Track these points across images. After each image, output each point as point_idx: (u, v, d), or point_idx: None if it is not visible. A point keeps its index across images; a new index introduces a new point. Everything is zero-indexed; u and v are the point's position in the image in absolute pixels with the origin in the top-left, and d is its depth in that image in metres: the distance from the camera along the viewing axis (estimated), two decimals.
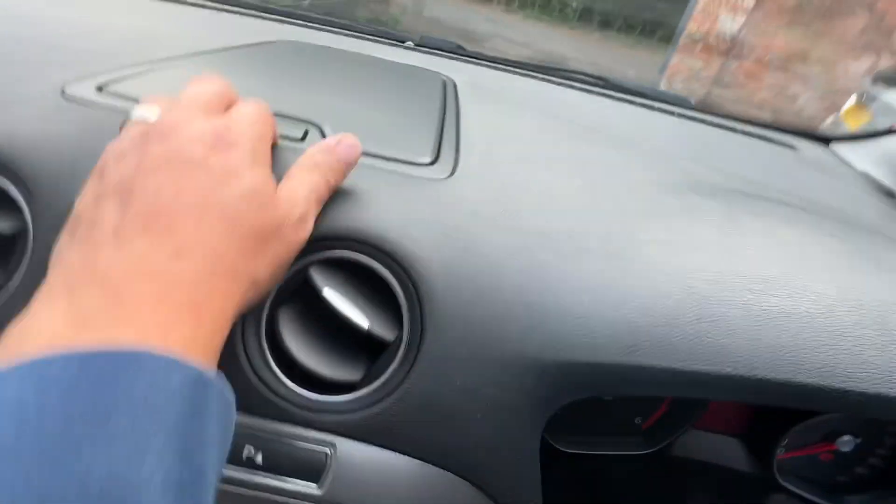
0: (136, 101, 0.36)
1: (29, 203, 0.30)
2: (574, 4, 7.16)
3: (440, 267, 0.30)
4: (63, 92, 0.37)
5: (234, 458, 0.29)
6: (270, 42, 0.64)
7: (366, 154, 0.37)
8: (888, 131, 0.80)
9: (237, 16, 0.83)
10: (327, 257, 0.30)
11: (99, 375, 0.16)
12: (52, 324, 0.18)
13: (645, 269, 0.32)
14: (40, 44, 0.46)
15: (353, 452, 0.29)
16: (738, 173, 0.56)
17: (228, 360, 0.28)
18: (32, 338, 0.17)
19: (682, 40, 4.88)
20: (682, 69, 4.89)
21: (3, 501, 0.13)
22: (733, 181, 0.52)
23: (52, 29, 0.51)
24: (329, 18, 0.92)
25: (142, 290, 0.19)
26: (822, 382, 0.29)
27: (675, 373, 0.29)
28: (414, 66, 0.69)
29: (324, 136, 0.38)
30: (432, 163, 0.39)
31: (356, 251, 0.30)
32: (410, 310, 0.29)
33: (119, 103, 0.37)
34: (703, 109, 0.91)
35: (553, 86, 0.83)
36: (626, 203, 0.40)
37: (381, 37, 0.89)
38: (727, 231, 0.38)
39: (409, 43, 0.89)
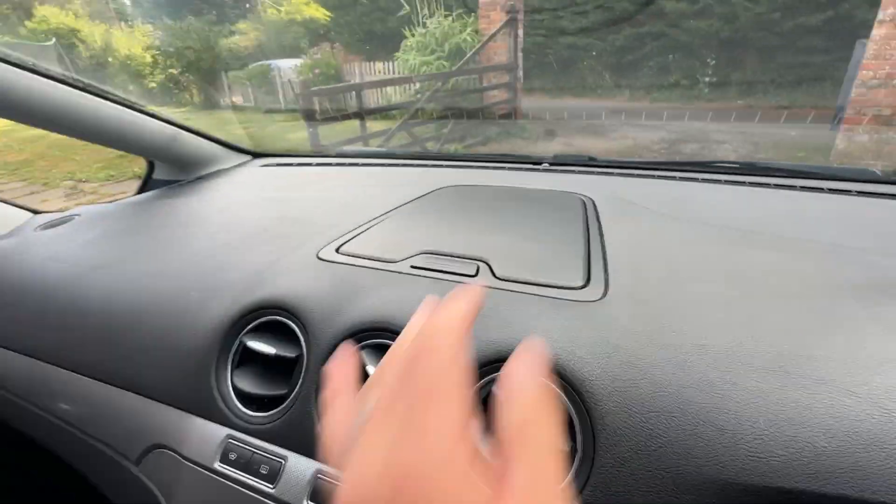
0: (362, 257, 0.52)
1: (304, 336, 0.44)
2: (707, 79, 6.94)
3: (605, 384, 0.34)
4: (317, 256, 0.54)
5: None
6: (438, 190, 0.81)
7: (527, 283, 0.45)
8: None
9: (412, 168, 1.07)
10: None
11: None
12: None
13: (825, 388, 0.31)
14: (299, 222, 0.68)
15: None
16: None
17: None
18: None
19: (855, 89, 4.27)
20: (862, 120, 4.20)
21: None
22: None
23: (305, 209, 0.75)
24: (475, 154, 1.11)
25: None
26: None
27: None
28: (555, 191, 0.78)
29: (492, 271, 0.48)
30: (584, 286, 0.45)
31: None
32: (582, 423, 0.33)
33: (350, 260, 0.53)
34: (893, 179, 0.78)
35: (695, 184, 0.82)
36: (795, 314, 0.39)
37: (521, 162, 1.04)
38: None
39: (545, 164, 1.01)
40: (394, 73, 8.38)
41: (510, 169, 1.01)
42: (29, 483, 0.93)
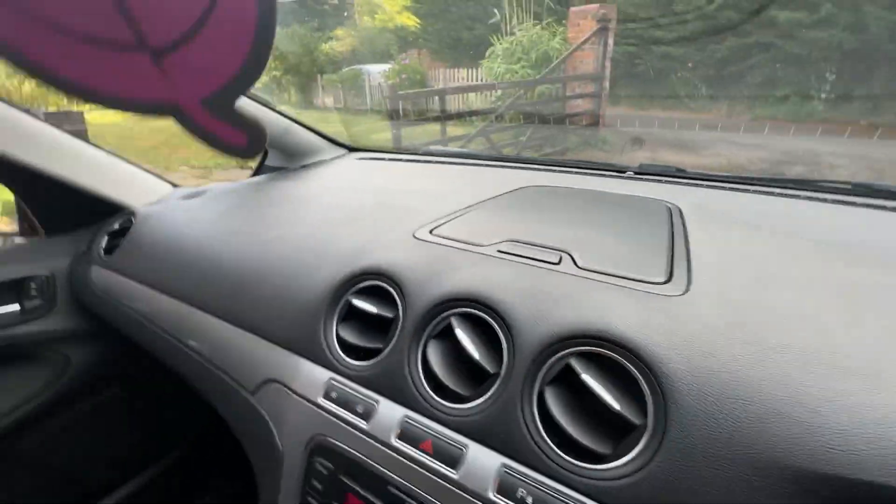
0: (453, 240, 0.57)
1: (401, 300, 0.51)
2: (824, 95, 6.25)
3: (681, 367, 0.36)
4: (413, 236, 0.61)
5: (511, 498, 0.39)
6: (522, 188, 0.85)
7: (609, 274, 0.48)
8: None
9: (494, 168, 1.12)
10: (585, 351, 0.40)
11: None
12: None
13: None
14: (395, 207, 0.76)
15: None
16: None
17: (509, 427, 0.40)
18: None
19: None
20: None
21: None
22: None
23: (398, 197, 0.83)
24: (557, 160, 1.13)
25: None
26: None
27: None
28: (639, 196, 0.79)
29: (574, 261, 0.51)
30: (666, 281, 0.46)
31: (607, 349, 0.39)
32: (654, 400, 0.36)
33: (442, 241, 0.58)
34: None
35: (797, 201, 0.78)
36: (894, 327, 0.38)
37: (604, 170, 1.04)
38: None
39: (630, 172, 1.01)
40: (477, 79, 8.52)
41: (593, 175, 1.02)
42: (163, 404, 1.11)
